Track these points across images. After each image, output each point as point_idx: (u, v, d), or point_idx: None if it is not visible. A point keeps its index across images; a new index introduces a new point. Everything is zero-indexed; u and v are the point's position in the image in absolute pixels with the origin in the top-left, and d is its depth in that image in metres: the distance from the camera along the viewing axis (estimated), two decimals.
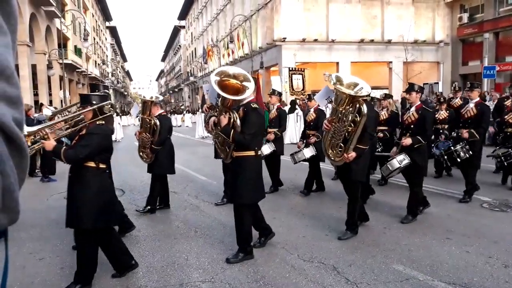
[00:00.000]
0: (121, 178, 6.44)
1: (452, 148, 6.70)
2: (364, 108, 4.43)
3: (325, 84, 7.15)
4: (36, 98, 22.48)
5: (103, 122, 3.96)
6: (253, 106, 4.29)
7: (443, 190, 7.34)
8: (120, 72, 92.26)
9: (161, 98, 7.03)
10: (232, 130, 4.20)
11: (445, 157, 6.74)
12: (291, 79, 23.42)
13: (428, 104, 10.31)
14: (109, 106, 4.07)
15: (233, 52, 34.28)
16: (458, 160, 6.54)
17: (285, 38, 26.04)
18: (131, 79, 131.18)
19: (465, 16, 27.07)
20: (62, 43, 28.95)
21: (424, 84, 22.24)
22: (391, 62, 27.50)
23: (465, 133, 6.45)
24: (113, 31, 77.18)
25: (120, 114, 31.90)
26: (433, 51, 28.64)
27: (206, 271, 4.16)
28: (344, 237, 4.96)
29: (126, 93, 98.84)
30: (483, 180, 7.35)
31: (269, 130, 7.44)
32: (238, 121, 4.21)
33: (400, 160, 5.51)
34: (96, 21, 56.18)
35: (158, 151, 6.21)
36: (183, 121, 34.02)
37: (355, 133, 4.56)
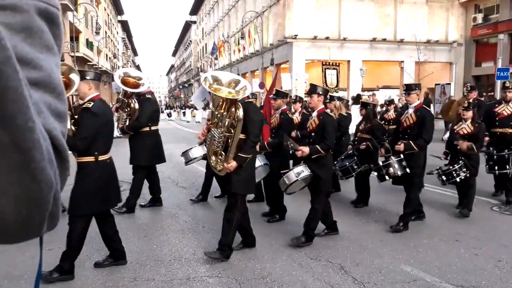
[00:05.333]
0: (131, 172, 6.49)
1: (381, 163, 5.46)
2: (240, 113, 4.02)
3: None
4: None
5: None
6: (86, 106, 3.74)
7: (452, 192, 7.26)
8: (130, 66, 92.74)
9: None
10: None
11: (375, 173, 5.48)
12: (325, 74, 23.24)
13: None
14: None
15: (244, 48, 34.25)
16: (387, 178, 5.37)
17: (297, 35, 25.94)
18: None
19: (480, 17, 26.71)
20: (74, 36, 29.17)
21: (436, 84, 22.09)
22: (403, 61, 27.26)
23: (400, 145, 5.24)
24: (124, 25, 77.57)
25: None
26: (446, 51, 28.33)
27: (213, 266, 4.18)
28: (210, 255, 4.28)
29: None
30: (493, 183, 7.20)
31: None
32: (69, 123, 3.65)
33: (297, 172, 4.76)
34: (108, 15, 56.48)
35: None
36: (194, 116, 34.12)
37: (233, 140, 4.15)
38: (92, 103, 3.79)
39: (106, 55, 52.93)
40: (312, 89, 4.94)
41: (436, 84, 21.97)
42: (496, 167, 6.27)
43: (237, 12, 38.36)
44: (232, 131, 4.14)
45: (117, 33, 70.83)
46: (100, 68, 43.75)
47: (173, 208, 6.38)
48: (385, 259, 4.34)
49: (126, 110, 6.22)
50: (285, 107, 6.01)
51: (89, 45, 38.66)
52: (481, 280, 3.86)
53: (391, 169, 5.29)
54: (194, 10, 64.08)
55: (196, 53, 68.55)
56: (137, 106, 6.06)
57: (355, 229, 5.31)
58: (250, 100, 4.56)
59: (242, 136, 4.19)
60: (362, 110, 6.64)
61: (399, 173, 5.25)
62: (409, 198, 5.29)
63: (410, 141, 5.23)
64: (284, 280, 3.87)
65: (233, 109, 4.07)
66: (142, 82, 6.19)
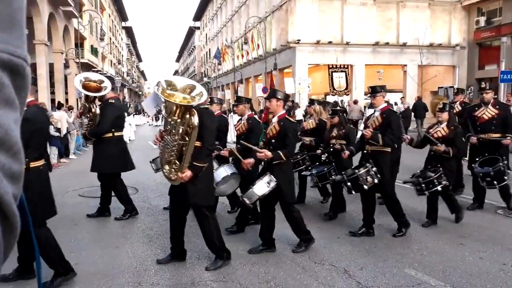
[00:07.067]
0: (134, 177, 6.52)
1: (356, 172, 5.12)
2: (194, 120, 3.83)
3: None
4: (53, 96, 22.88)
5: None
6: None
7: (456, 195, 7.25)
8: (135, 72, 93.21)
9: None
10: None
11: (348, 183, 5.19)
12: (331, 77, 23.21)
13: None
14: None
15: (247, 54, 34.38)
16: (365, 187, 5.06)
17: (300, 40, 26.01)
18: (145, 79, 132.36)
19: (482, 20, 26.69)
20: (79, 42, 29.40)
21: (439, 87, 22.08)
22: (405, 65, 27.26)
23: (367, 132, 5.08)
24: (129, 31, 78.05)
25: (134, 113, 32.26)
26: (448, 54, 28.30)
27: (218, 271, 4.19)
28: (212, 267, 4.24)
29: (140, 92, 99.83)
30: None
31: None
32: None
33: (268, 181, 4.49)
34: (113, 21, 56.89)
35: None
36: None
37: (187, 149, 3.95)
38: (25, 109, 3.68)
39: (111, 61, 53.25)
40: (271, 94, 4.73)
41: (439, 87, 21.98)
42: (485, 183, 6.02)
43: (240, 17, 38.54)
44: (187, 139, 3.94)
45: (122, 39, 71.26)
46: (105, 74, 44.01)
47: None
48: (389, 263, 4.34)
49: (88, 115, 6.03)
50: (250, 112, 5.86)
51: (94, 51, 38.92)
52: (485, 283, 3.84)
53: (369, 178, 5.03)
54: (198, 16, 64.41)
55: (199, 59, 68.84)
56: (98, 111, 5.89)
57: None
58: (206, 106, 4.40)
59: (197, 143, 4.02)
60: (334, 117, 6.30)
61: (376, 180, 5.03)
62: (389, 210, 5.26)
63: (378, 133, 5.02)
64: (288, 284, 3.88)
65: (187, 116, 3.87)
66: (104, 85, 5.95)
